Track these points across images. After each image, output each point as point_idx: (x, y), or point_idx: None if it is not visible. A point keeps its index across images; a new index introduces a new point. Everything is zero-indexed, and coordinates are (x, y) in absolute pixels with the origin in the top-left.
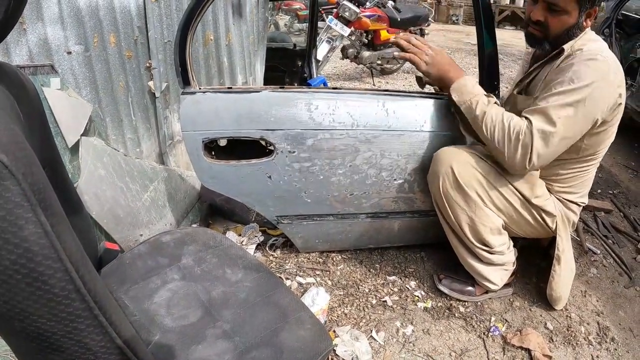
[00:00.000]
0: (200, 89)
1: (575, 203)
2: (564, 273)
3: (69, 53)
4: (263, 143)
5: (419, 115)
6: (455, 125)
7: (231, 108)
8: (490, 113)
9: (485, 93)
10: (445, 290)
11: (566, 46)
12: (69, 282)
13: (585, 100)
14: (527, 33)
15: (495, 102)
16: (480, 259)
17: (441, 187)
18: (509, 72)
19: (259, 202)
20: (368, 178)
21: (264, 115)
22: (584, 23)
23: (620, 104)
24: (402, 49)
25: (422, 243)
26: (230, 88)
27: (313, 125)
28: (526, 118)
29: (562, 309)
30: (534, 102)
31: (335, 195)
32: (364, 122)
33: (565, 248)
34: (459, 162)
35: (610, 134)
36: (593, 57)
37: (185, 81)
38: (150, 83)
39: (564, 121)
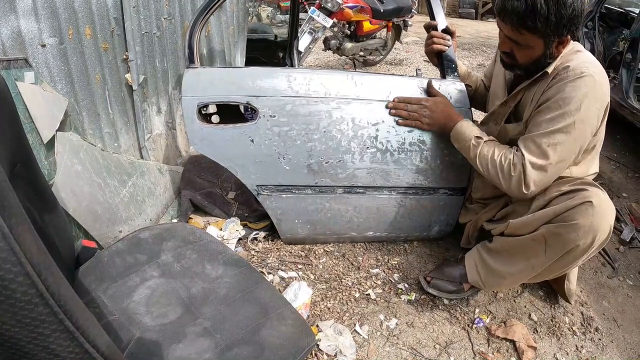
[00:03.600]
0: (201, 65)
1: None
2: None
3: (43, 46)
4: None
5: (384, 87)
6: None
7: (224, 79)
8: (482, 153)
9: (477, 134)
10: (435, 293)
11: (550, 70)
12: (31, 287)
13: (575, 123)
14: (500, 58)
15: (486, 141)
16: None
17: (594, 243)
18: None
19: (241, 167)
20: (341, 145)
21: (250, 84)
22: (555, 51)
23: (607, 109)
24: (403, 118)
25: (406, 238)
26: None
27: (291, 93)
28: (519, 149)
29: (546, 300)
30: (524, 127)
31: (311, 162)
32: (335, 91)
33: None
34: (613, 220)
35: (598, 139)
36: (579, 75)
37: (191, 60)
38: (128, 76)
39: (556, 148)
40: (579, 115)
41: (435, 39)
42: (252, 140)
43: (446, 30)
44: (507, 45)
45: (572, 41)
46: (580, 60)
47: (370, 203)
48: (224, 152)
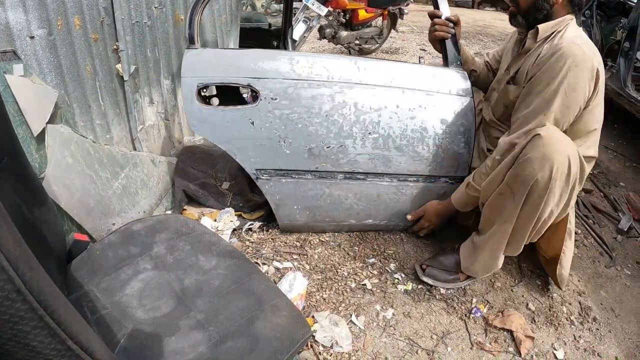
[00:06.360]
0: (201, 47)
1: None
2: (572, 249)
3: (32, 37)
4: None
5: (387, 72)
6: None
7: (225, 60)
8: (481, 173)
9: (465, 182)
10: (430, 282)
11: (541, 27)
12: (7, 282)
13: (566, 90)
14: (509, 12)
15: (475, 172)
16: (508, 252)
17: (553, 174)
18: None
19: (240, 150)
20: (343, 130)
21: (251, 66)
22: None
23: (599, 73)
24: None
25: (405, 227)
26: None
27: (294, 76)
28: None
29: (543, 290)
30: (520, 100)
31: (312, 146)
32: (338, 76)
33: (573, 222)
34: (574, 154)
35: (596, 119)
36: (566, 45)
37: (192, 41)
38: (118, 66)
39: (549, 116)
40: (567, 82)
41: (438, 27)
42: (253, 123)
43: (449, 19)
44: None
45: (572, 17)
46: (571, 34)
47: (371, 190)
48: (223, 134)
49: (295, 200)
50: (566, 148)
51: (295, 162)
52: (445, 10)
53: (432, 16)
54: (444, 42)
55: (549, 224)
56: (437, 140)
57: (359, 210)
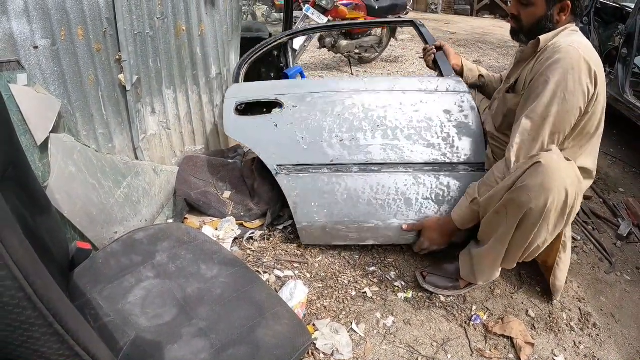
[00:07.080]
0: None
1: None
2: (568, 260)
3: (36, 48)
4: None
5: (389, 81)
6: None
7: (257, 86)
8: (484, 188)
9: (466, 197)
10: (431, 289)
11: (542, 37)
12: (19, 290)
13: (564, 93)
14: (510, 27)
15: (477, 185)
16: (503, 266)
17: (548, 205)
18: (488, 60)
19: (264, 149)
20: (354, 125)
21: (278, 88)
22: (557, 17)
23: (598, 76)
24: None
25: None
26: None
27: (311, 90)
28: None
29: (543, 296)
30: (520, 98)
31: (327, 141)
32: (348, 87)
33: (569, 235)
34: (573, 184)
35: (597, 129)
36: (563, 49)
37: (237, 80)
38: (121, 76)
39: (549, 120)
40: (565, 87)
41: (427, 52)
42: (276, 125)
43: (434, 45)
44: (515, 8)
45: (573, 24)
46: (569, 38)
47: (387, 181)
48: (251, 137)
49: (312, 197)
50: (566, 178)
51: (312, 156)
52: (431, 42)
53: (423, 50)
54: (436, 62)
55: (542, 249)
56: (445, 128)
57: (379, 207)
